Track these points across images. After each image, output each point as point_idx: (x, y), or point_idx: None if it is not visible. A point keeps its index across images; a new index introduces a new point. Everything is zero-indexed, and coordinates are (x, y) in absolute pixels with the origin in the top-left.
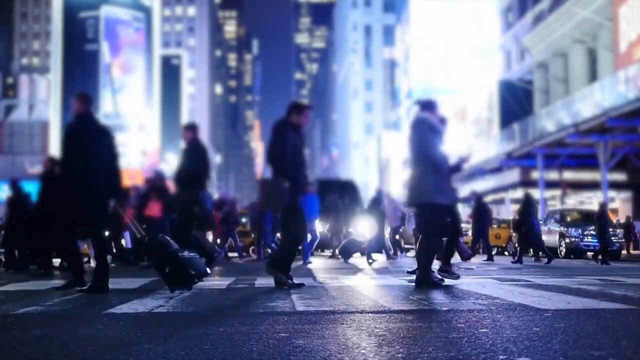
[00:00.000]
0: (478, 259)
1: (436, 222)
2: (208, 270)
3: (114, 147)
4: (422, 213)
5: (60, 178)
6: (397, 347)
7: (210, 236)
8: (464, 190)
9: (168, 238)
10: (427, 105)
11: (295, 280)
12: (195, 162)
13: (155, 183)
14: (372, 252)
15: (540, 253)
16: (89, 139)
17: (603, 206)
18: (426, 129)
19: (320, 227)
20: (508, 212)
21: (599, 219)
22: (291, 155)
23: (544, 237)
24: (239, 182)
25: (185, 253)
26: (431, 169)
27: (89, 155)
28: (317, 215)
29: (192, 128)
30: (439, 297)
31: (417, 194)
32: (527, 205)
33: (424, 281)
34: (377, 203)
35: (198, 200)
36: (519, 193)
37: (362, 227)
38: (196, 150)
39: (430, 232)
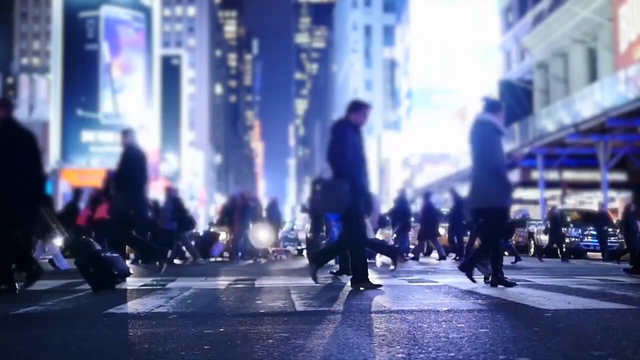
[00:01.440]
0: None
1: (501, 225)
2: (131, 271)
3: (37, 152)
4: (487, 217)
5: None
6: (397, 347)
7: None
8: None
9: (91, 239)
10: (493, 106)
11: (319, 281)
12: (130, 166)
13: (108, 184)
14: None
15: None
16: (10, 145)
17: (627, 207)
18: (490, 132)
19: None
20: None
21: (626, 220)
22: (351, 156)
23: (543, 237)
24: (239, 182)
25: (108, 253)
26: (492, 172)
27: (9, 160)
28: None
29: (129, 133)
30: (438, 297)
31: (481, 197)
32: None
33: (500, 282)
34: (402, 203)
35: (134, 203)
36: (519, 193)
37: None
38: (133, 154)
39: (494, 235)
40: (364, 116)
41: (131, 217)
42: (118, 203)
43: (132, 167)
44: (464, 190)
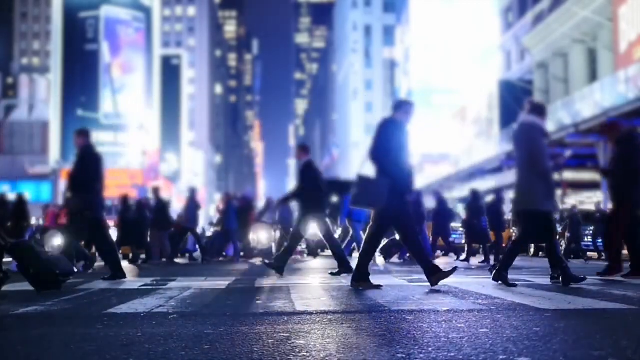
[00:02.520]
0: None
1: (542, 229)
2: (75, 270)
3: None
4: (528, 219)
5: None
6: (397, 347)
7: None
8: (464, 190)
9: (32, 242)
10: (538, 109)
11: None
12: (86, 167)
13: None
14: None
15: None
16: None
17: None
18: (539, 136)
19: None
20: (508, 212)
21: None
22: (395, 154)
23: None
24: (239, 182)
25: (50, 254)
26: (540, 176)
27: None
28: (364, 216)
29: (83, 134)
30: (438, 297)
31: (525, 200)
32: (476, 201)
33: (503, 280)
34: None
35: (89, 205)
36: None
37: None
38: (88, 156)
39: (534, 238)
40: (409, 114)
41: (86, 219)
42: (73, 205)
43: (87, 169)
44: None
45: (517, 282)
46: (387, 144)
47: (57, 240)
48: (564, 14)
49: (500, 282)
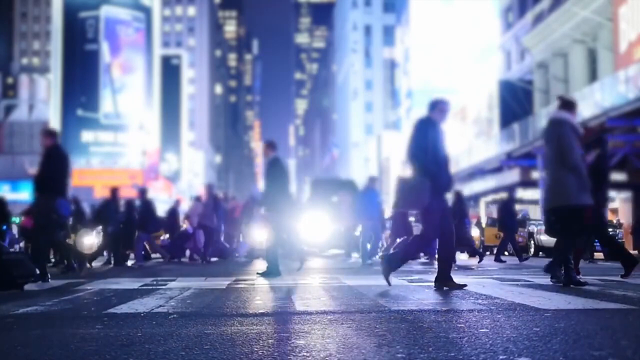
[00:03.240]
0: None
1: (579, 223)
2: (37, 271)
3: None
4: (565, 215)
5: None
6: (397, 347)
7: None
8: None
9: None
10: (569, 105)
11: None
12: (52, 168)
13: None
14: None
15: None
16: None
17: None
18: (570, 131)
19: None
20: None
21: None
22: (432, 153)
23: (543, 238)
24: (239, 182)
25: (12, 255)
26: (571, 170)
27: None
28: (378, 214)
29: (51, 134)
30: (438, 297)
31: (560, 196)
32: (460, 204)
33: (572, 282)
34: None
35: (55, 207)
36: (519, 193)
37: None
38: (55, 156)
39: (572, 233)
40: (444, 113)
41: (54, 221)
42: (40, 207)
43: (55, 169)
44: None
45: (518, 282)
46: (423, 143)
47: (88, 240)
48: (564, 14)
49: (574, 284)
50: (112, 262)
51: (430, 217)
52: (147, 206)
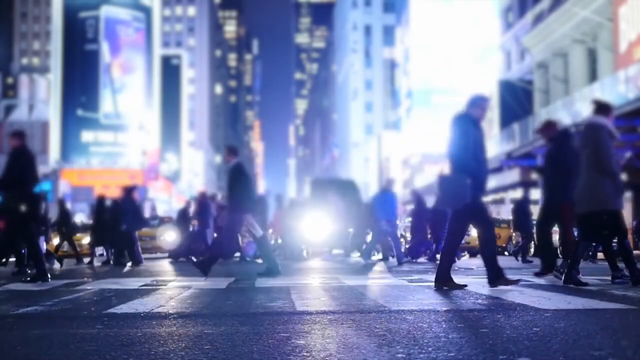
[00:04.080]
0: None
1: (614, 227)
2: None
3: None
4: (601, 219)
5: None
6: (397, 347)
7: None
8: None
9: None
10: (605, 109)
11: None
12: (18, 167)
13: None
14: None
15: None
16: None
17: None
18: (606, 136)
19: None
20: (508, 212)
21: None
22: (472, 150)
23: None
24: None
25: None
26: (608, 175)
27: None
28: (394, 216)
29: (18, 136)
30: (438, 297)
31: (595, 201)
32: (420, 204)
33: (573, 282)
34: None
35: (23, 198)
36: (519, 193)
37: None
38: (20, 156)
39: (609, 237)
40: (483, 110)
41: (25, 213)
42: (7, 204)
43: (22, 170)
44: None
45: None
46: (464, 140)
47: (170, 235)
48: (564, 14)
49: (574, 284)
50: (112, 261)
51: (481, 216)
52: (134, 205)
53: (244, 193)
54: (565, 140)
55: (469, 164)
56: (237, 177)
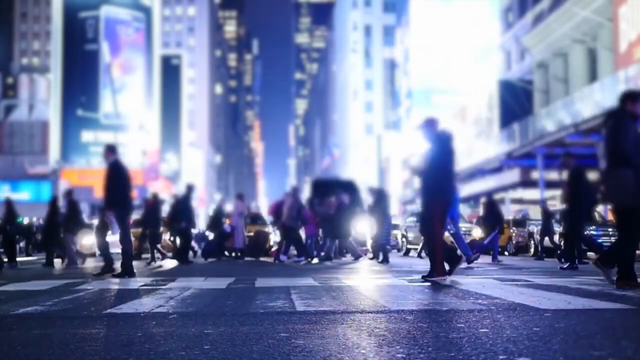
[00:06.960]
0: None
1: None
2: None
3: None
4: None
5: None
6: (397, 347)
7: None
8: (465, 190)
9: None
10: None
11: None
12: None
13: None
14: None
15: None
16: None
17: None
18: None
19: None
20: (508, 212)
21: None
22: (632, 146)
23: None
24: (239, 182)
25: None
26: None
27: None
28: (459, 214)
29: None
30: (438, 297)
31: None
32: (381, 201)
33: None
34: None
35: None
36: (519, 193)
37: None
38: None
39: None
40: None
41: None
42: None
43: (123, 190)
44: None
45: (518, 282)
46: (623, 135)
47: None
48: (564, 14)
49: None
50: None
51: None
52: (72, 207)
53: (121, 189)
54: (445, 142)
55: (630, 158)
56: (117, 174)
